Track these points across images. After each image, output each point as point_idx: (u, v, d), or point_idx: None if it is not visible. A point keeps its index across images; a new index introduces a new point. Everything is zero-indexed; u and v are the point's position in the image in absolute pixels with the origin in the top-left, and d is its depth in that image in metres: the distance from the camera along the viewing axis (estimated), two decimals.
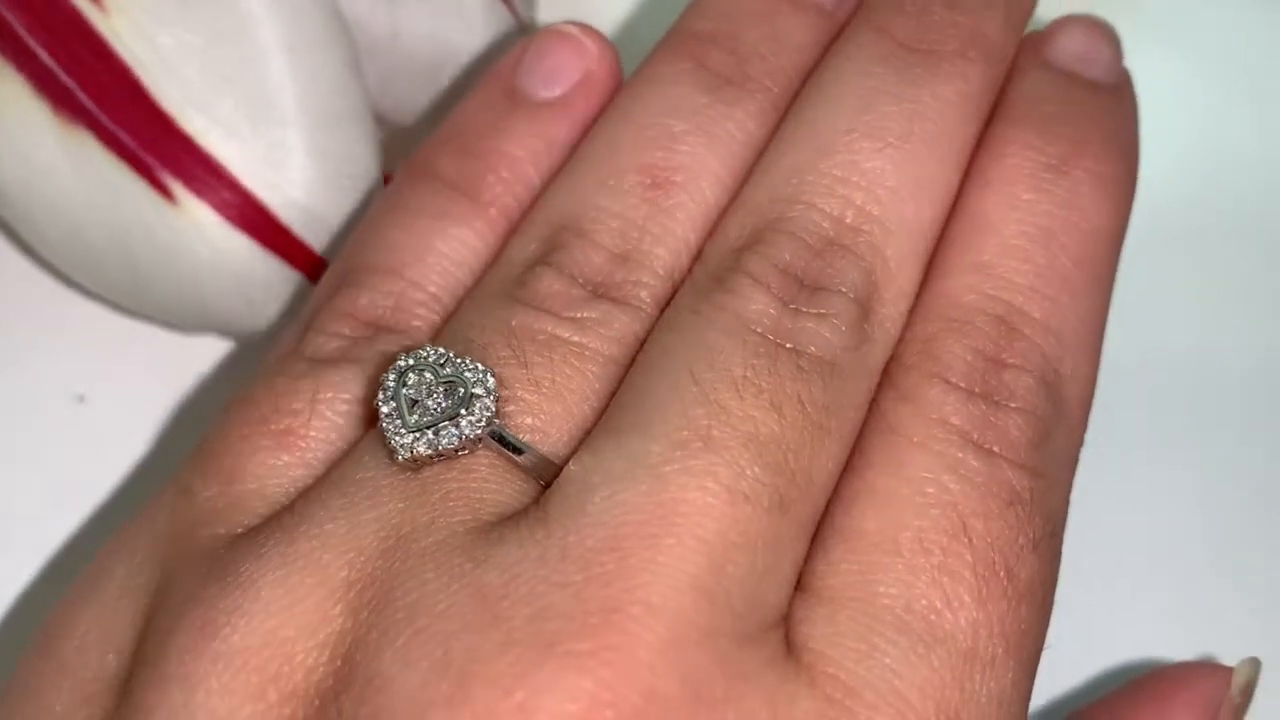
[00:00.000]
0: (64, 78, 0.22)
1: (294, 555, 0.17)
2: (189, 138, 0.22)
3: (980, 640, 0.17)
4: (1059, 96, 0.22)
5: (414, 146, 0.25)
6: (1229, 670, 0.22)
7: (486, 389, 0.18)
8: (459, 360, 0.18)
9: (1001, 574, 0.18)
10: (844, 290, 0.19)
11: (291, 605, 0.17)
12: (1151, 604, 0.25)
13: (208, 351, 0.26)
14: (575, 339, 0.19)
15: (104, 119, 0.22)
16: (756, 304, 0.19)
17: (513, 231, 0.21)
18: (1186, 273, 0.28)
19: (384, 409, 0.18)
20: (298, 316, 0.21)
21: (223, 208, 0.22)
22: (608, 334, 0.19)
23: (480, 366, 0.18)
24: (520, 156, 0.21)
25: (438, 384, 0.18)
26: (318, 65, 0.23)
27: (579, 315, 0.19)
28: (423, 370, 0.18)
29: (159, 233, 0.22)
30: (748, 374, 0.18)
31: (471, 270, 0.21)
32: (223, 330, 0.24)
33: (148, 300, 0.24)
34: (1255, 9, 0.31)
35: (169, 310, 0.24)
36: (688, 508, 0.16)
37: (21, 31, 0.22)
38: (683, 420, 0.17)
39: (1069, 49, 0.23)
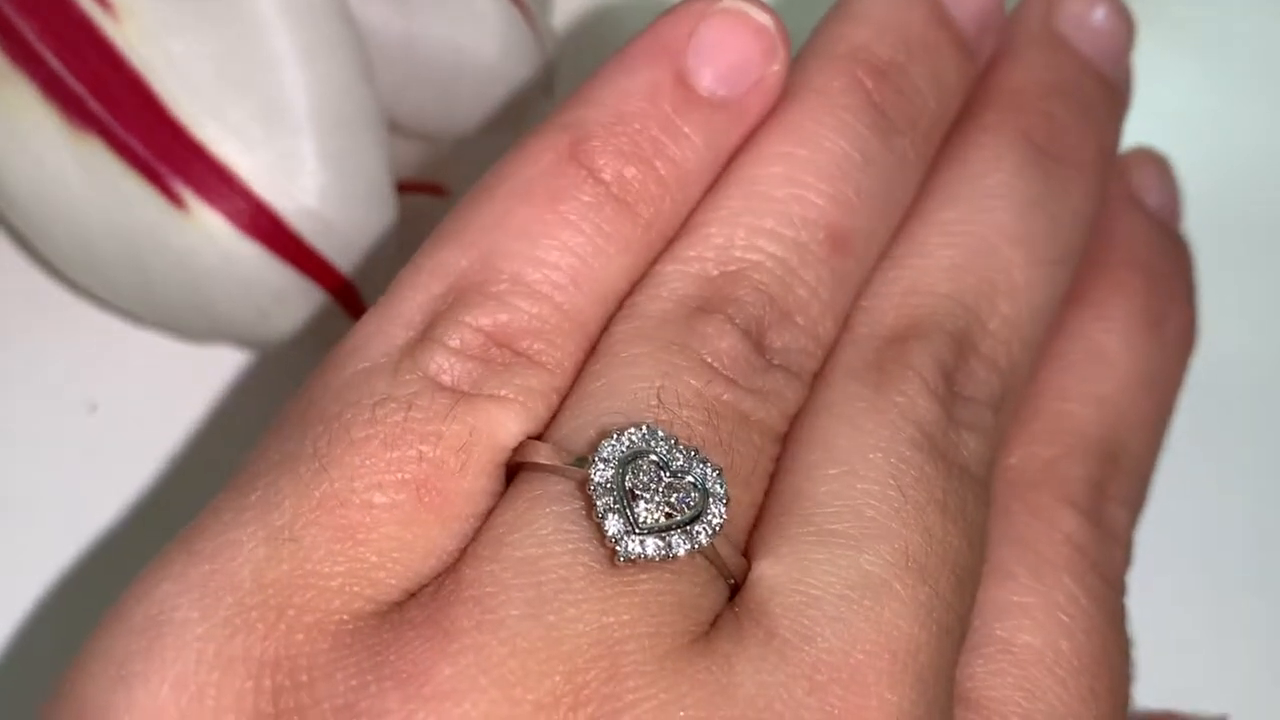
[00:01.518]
0: (74, 85, 0.22)
1: (494, 661, 0.15)
2: (200, 145, 0.22)
3: None
4: (1158, 245, 0.23)
5: (452, 161, 0.25)
6: None
7: (719, 494, 0.16)
8: (689, 451, 0.16)
9: (1123, 697, 0.19)
10: (987, 402, 0.19)
11: None
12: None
13: (220, 363, 0.26)
14: (759, 415, 0.18)
15: (115, 126, 0.22)
16: (929, 410, 0.18)
17: (668, 249, 0.19)
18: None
19: (605, 496, 0.16)
20: (391, 298, 0.18)
21: (234, 215, 0.22)
22: (784, 410, 0.18)
23: (712, 466, 0.16)
24: (689, 168, 0.19)
25: (661, 478, 0.16)
26: (330, 73, 0.22)
27: (760, 386, 0.18)
28: (650, 453, 0.16)
29: (170, 240, 0.22)
30: (945, 501, 0.18)
31: (620, 296, 0.18)
32: (234, 340, 0.24)
33: (159, 308, 0.24)
34: (1270, 11, 0.31)
35: (180, 318, 0.24)
36: (910, 643, 0.16)
37: (31, 38, 0.22)
38: (898, 539, 0.17)
39: (1153, 190, 0.24)
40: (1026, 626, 0.19)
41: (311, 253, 0.23)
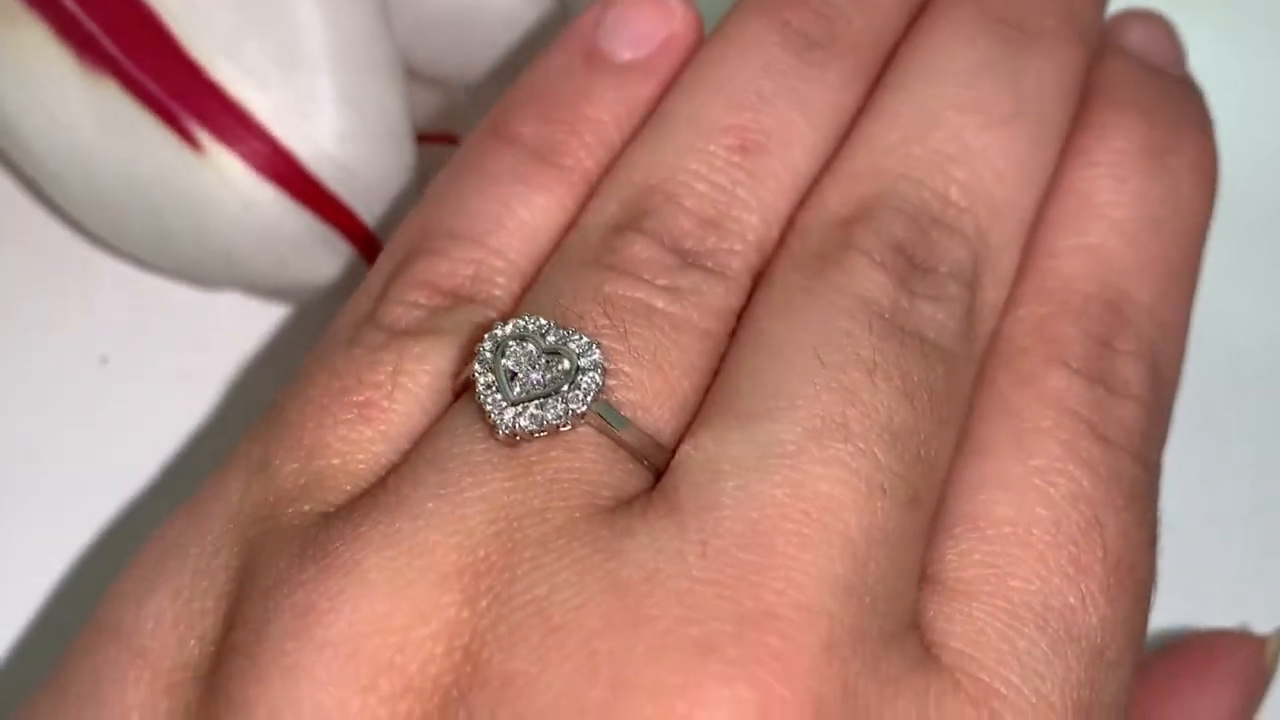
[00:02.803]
0: (88, 23, 0.21)
1: (397, 536, 0.16)
2: (217, 85, 0.21)
3: (1109, 638, 0.17)
4: (1151, 84, 0.22)
5: (467, 110, 0.25)
6: (1262, 640, 0.22)
7: (593, 361, 0.17)
8: (562, 330, 0.17)
9: (1126, 571, 0.17)
10: (953, 272, 0.19)
11: (401, 589, 0.16)
12: (1186, 572, 0.25)
13: (231, 315, 0.26)
14: (672, 309, 0.18)
15: (129, 66, 0.21)
16: (875, 284, 0.18)
17: (593, 195, 0.20)
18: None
19: (481, 380, 0.17)
20: (366, 281, 0.20)
21: (251, 157, 0.22)
22: (703, 305, 0.18)
23: (585, 338, 0.17)
24: (604, 120, 0.20)
25: (539, 355, 0.17)
26: (347, 13, 0.22)
27: (674, 284, 0.18)
28: (523, 340, 0.17)
29: (185, 183, 0.22)
30: (877, 359, 0.17)
31: (551, 238, 0.20)
32: (250, 287, 0.24)
33: (174, 255, 0.23)
34: None
35: (195, 265, 0.23)
36: (829, 502, 0.16)
37: None
38: (816, 406, 0.17)
39: (1143, 42, 0.23)
40: (1000, 499, 0.17)
41: (331, 198, 0.22)
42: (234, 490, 0.18)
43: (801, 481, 0.16)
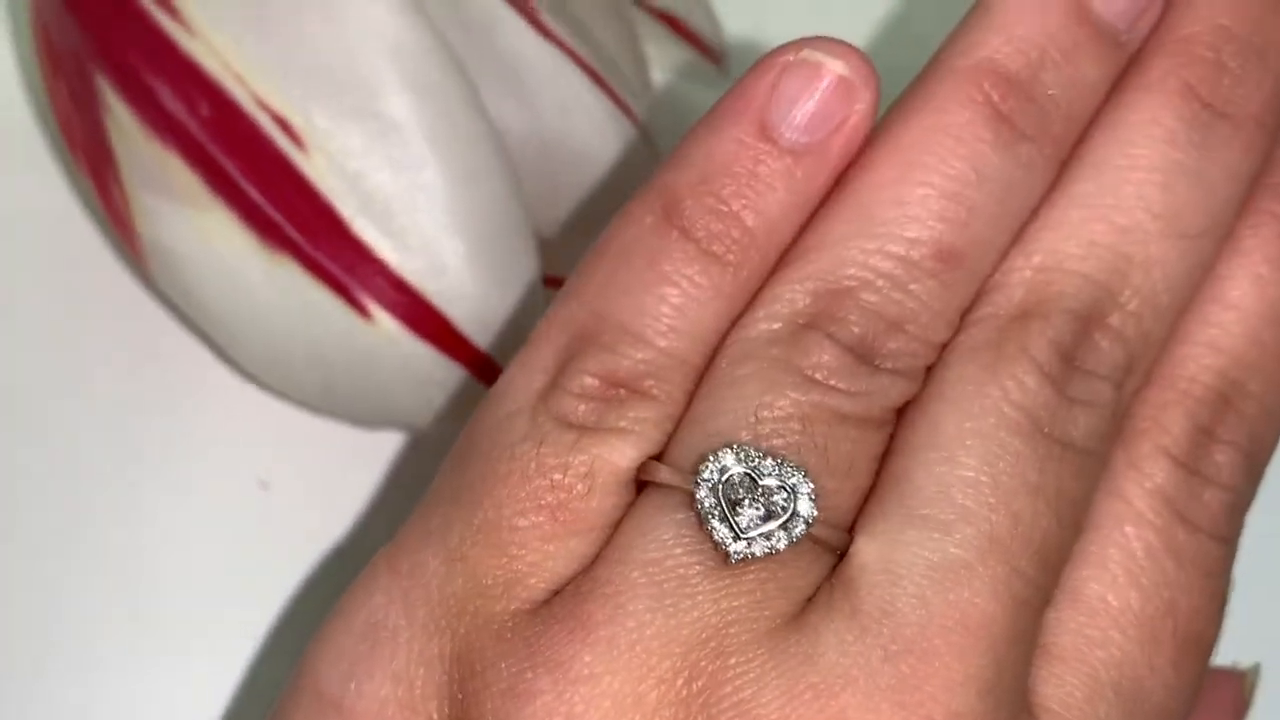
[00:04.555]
0: (270, 211, 0.25)
1: (621, 647, 0.18)
2: (382, 260, 0.25)
3: (1172, 700, 0.20)
4: None
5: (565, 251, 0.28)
6: (1242, 674, 0.26)
7: (809, 493, 0.19)
8: (774, 462, 0.19)
9: (1194, 642, 0.21)
10: (1109, 375, 0.20)
11: (632, 698, 0.18)
12: None
13: (382, 441, 0.29)
14: (859, 411, 0.20)
15: (307, 247, 0.25)
16: (1041, 396, 0.20)
17: (769, 283, 0.21)
18: None
19: (706, 507, 0.19)
20: (528, 353, 0.21)
21: (413, 322, 0.25)
22: (887, 403, 0.20)
23: (800, 472, 0.19)
24: (776, 216, 0.20)
25: (755, 485, 0.19)
26: (485, 192, 0.25)
27: (862, 389, 0.20)
28: (736, 469, 0.19)
29: (354, 344, 0.25)
30: (1040, 482, 0.19)
31: (720, 330, 0.21)
32: (398, 425, 0.27)
33: (336, 400, 0.27)
34: None
35: (355, 408, 0.27)
36: (984, 616, 0.19)
37: (233, 172, 0.25)
38: (985, 525, 0.19)
39: None
40: (1097, 576, 0.20)
41: (474, 349, 0.26)
42: (432, 574, 0.20)
43: (965, 597, 0.19)
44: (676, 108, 0.33)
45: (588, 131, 0.28)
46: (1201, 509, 0.21)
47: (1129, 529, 0.21)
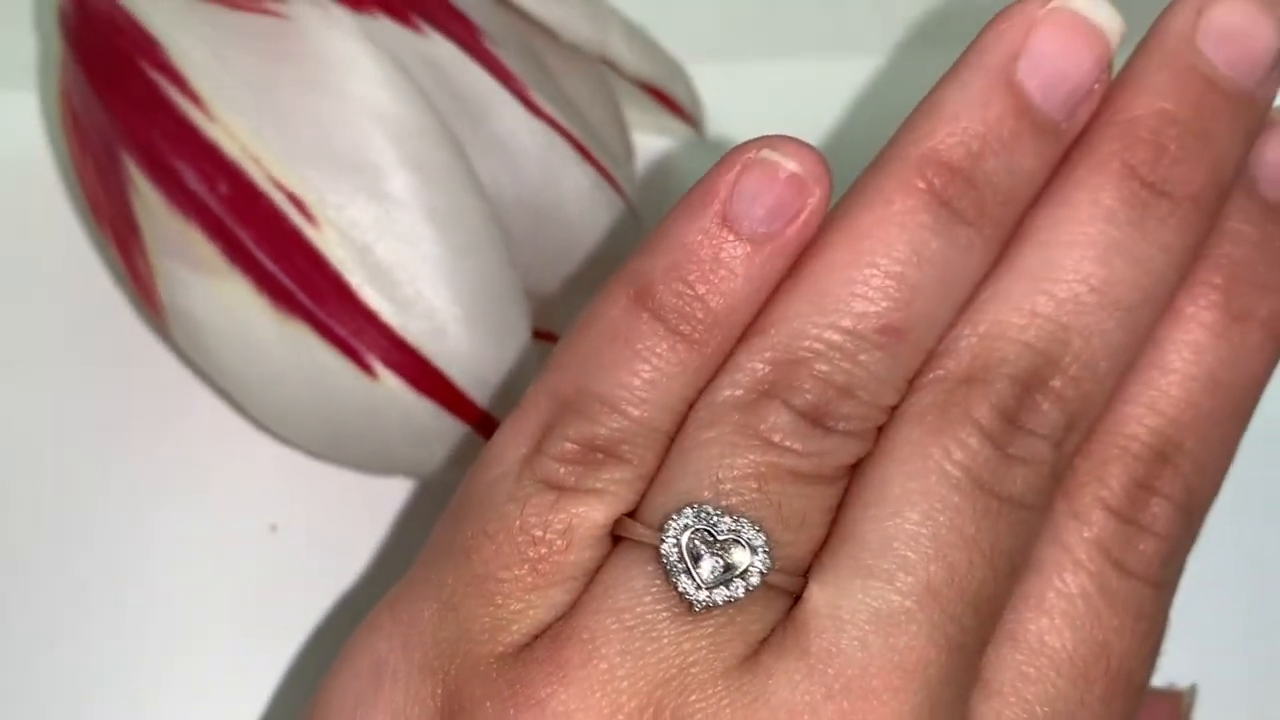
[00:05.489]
0: (285, 280, 0.27)
1: (594, 686, 0.20)
2: (387, 325, 0.27)
3: None
4: (1255, 238, 0.24)
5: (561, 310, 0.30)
6: (1180, 693, 0.28)
7: (762, 545, 0.21)
8: (732, 520, 0.21)
9: (1124, 680, 0.22)
10: (1049, 435, 0.22)
11: None
12: None
13: (386, 486, 0.31)
14: (811, 469, 0.22)
15: (318, 313, 0.27)
16: (981, 457, 0.21)
17: (734, 354, 0.22)
18: None
19: (670, 560, 0.21)
20: (516, 421, 0.23)
21: (415, 381, 0.27)
22: (838, 461, 0.22)
23: (750, 525, 0.21)
24: (739, 300, 0.22)
25: (714, 541, 0.21)
26: (480, 261, 0.28)
27: (814, 449, 0.22)
28: (700, 528, 0.21)
29: (360, 400, 0.28)
30: (976, 536, 0.21)
31: (688, 400, 0.22)
32: (401, 473, 0.30)
33: (342, 450, 0.29)
34: None
35: (360, 458, 0.29)
36: (919, 658, 0.20)
37: (250, 244, 0.27)
38: (923, 576, 0.21)
39: (1277, 171, 0.24)
40: (1035, 618, 0.22)
41: (472, 404, 0.28)
42: (427, 621, 0.22)
43: (903, 642, 0.20)
44: (657, 166, 0.36)
45: (574, 200, 0.30)
46: (1137, 557, 0.22)
47: (1068, 575, 0.22)
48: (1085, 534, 0.22)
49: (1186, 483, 0.23)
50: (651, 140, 0.36)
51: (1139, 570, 0.23)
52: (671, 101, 0.34)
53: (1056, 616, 0.22)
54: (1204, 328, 0.23)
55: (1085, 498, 0.23)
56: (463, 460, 0.29)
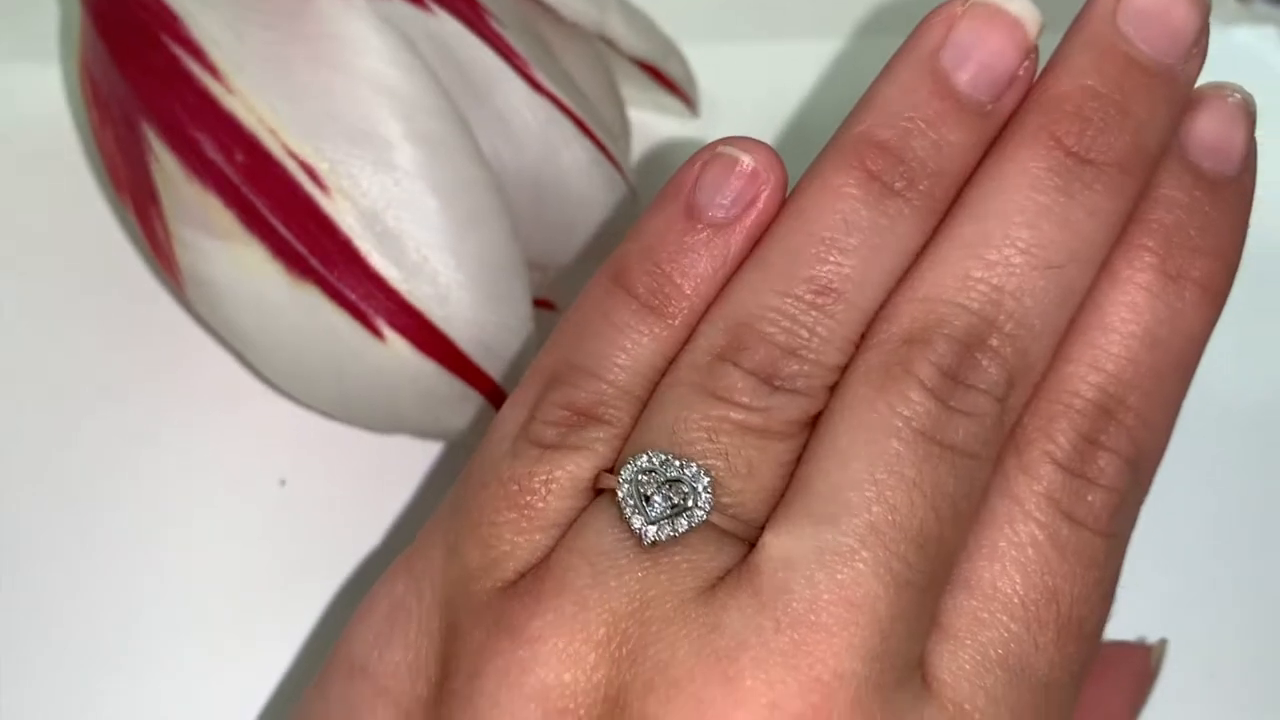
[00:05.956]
0: (298, 246, 0.29)
1: (565, 615, 0.22)
2: (394, 290, 0.29)
3: (1055, 674, 0.23)
4: (1186, 202, 0.25)
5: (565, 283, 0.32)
6: (1149, 648, 0.29)
7: (705, 486, 0.23)
8: (678, 461, 0.23)
9: (1076, 625, 0.23)
10: (990, 389, 0.23)
11: (570, 655, 0.22)
12: None
13: (391, 445, 0.33)
14: (762, 424, 0.23)
15: (329, 277, 0.29)
16: (923, 408, 0.23)
17: (696, 331, 0.24)
18: None
19: (625, 501, 0.23)
20: (515, 397, 0.25)
21: (421, 343, 0.29)
22: (787, 417, 0.23)
23: (697, 467, 0.23)
24: (705, 277, 0.25)
25: (664, 481, 0.23)
26: (483, 230, 0.29)
27: (763, 404, 0.23)
28: (652, 471, 0.23)
29: (368, 361, 0.29)
30: (917, 479, 0.22)
31: (659, 368, 0.24)
32: (408, 432, 0.31)
33: (351, 410, 0.30)
34: None
35: (369, 417, 0.31)
36: (867, 593, 0.22)
37: (265, 211, 0.29)
38: (867, 516, 0.22)
39: (1204, 141, 0.25)
40: (988, 566, 0.23)
41: (475, 367, 0.29)
42: (436, 565, 0.24)
43: (849, 577, 0.22)
44: (653, 142, 0.37)
45: (573, 174, 0.31)
46: (1085, 508, 0.23)
47: (1019, 525, 0.23)
48: (1035, 487, 0.23)
49: (1131, 436, 0.24)
50: (651, 120, 0.37)
51: (1088, 521, 0.24)
52: (667, 79, 0.35)
53: (1008, 563, 0.23)
54: (1140, 288, 0.24)
55: (1034, 453, 0.24)
56: (478, 429, 0.31)
